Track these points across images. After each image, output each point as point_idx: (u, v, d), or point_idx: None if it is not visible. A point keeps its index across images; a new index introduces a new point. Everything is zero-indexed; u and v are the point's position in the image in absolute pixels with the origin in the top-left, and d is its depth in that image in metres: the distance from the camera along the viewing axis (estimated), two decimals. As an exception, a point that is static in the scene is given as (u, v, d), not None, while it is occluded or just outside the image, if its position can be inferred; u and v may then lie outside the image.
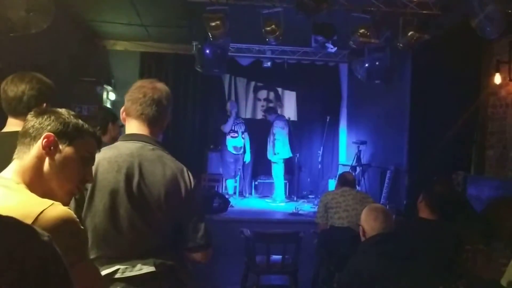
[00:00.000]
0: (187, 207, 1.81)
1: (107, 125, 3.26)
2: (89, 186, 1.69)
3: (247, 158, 8.24)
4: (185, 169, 1.86)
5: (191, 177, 1.85)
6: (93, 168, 1.45)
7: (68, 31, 6.05)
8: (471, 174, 5.76)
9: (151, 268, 1.68)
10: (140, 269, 1.67)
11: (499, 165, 5.52)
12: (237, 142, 7.99)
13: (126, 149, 1.79)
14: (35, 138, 1.29)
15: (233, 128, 7.96)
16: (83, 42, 7.28)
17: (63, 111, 1.35)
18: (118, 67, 7.78)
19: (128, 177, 1.73)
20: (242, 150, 8.08)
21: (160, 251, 1.73)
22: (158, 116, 1.87)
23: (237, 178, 8.17)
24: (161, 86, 1.91)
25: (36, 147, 1.28)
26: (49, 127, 1.29)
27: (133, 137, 1.85)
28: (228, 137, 7.97)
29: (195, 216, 1.83)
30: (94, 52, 7.59)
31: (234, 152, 7.98)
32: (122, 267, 1.66)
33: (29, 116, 1.33)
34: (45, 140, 1.28)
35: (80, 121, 1.35)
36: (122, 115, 1.90)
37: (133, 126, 1.87)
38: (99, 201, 1.70)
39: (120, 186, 1.72)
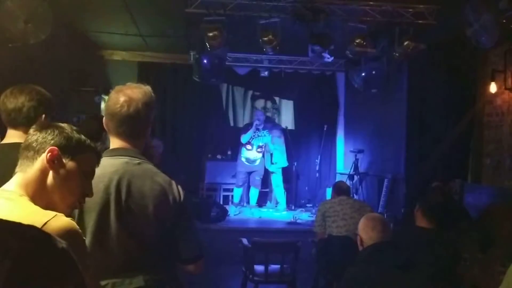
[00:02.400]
0: (177, 220, 1.77)
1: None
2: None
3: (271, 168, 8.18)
4: (173, 181, 1.81)
5: (180, 190, 1.81)
6: None
7: (66, 42, 6.07)
8: (468, 182, 5.78)
9: (141, 283, 1.65)
10: (130, 284, 1.65)
11: (496, 173, 5.54)
12: (250, 154, 7.92)
13: (111, 166, 1.70)
14: (38, 152, 1.30)
15: (250, 141, 7.90)
16: (81, 52, 7.31)
17: (65, 125, 1.38)
18: (116, 77, 7.79)
19: (116, 196, 1.68)
20: (256, 163, 7.95)
21: (149, 266, 1.70)
22: (138, 129, 1.81)
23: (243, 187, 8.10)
24: (137, 94, 1.78)
25: (40, 161, 1.30)
26: (52, 141, 1.32)
27: (117, 152, 1.78)
28: (244, 147, 7.94)
29: (185, 228, 1.80)
30: (92, 62, 7.61)
31: (247, 164, 7.91)
32: (110, 282, 1.63)
33: (31, 130, 1.35)
34: (49, 154, 1.30)
35: (83, 137, 1.37)
36: (105, 126, 1.84)
37: (115, 141, 1.81)
38: (87, 223, 1.64)
39: (108, 206, 1.67)
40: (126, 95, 1.77)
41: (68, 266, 0.73)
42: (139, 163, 1.78)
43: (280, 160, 8.07)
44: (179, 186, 1.82)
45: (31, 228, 0.78)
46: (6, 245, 0.68)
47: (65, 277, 0.71)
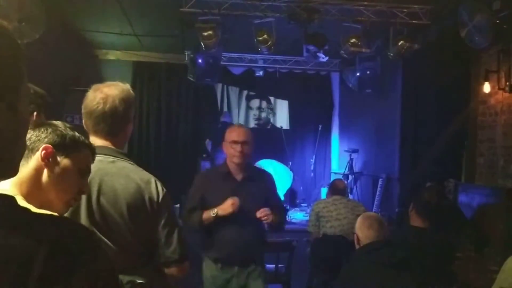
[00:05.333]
0: (155, 221, 1.72)
1: None
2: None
3: None
4: (152, 179, 1.76)
5: (159, 188, 1.74)
6: None
7: (60, 41, 6.05)
8: (462, 182, 5.81)
9: None
10: None
11: (490, 172, 5.57)
12: None
13: None
14: (32, 150, 1.30)
15: None
16: (75, 51, 7.28)
17: (59, 123, 1.37)
18: (110, 76, 7.70)
19: (86, 196, 1.63)
20: None
21: (129, 269, 1.63)
22: (116, 126, 1.77)
23: None
24: (114, 90, 1.76)
25: (35, 159, 1.29)
26: (46, 139, 1.31)
27: None
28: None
29: (166, 229, 1.74)
30: (86, 61, 7.58)
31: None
32: None
33: None
34: (43, 152, 1.29)
35: (76, 134, 1.37)
36: (84, 125, 1.81)
37: (93, 140, 1.76)
38: None
39: (78, 207, 1.62)
40: (102, 92, 1.76)
41: (100, 250, 0.75)
42: (113, 161, 1.73)
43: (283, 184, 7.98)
44: (159, 185, 1.76)
45: (62, 218, 0.81)
46: (43, 233, 0.70)
47: (97, 260, 0.74)
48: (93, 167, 1.65)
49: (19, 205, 0.74)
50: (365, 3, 5.28)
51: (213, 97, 8.89)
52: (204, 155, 8.38)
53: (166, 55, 7.98)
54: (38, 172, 1.30)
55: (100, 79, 1.89)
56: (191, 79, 7.15)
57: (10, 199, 0.73)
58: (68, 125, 1.39)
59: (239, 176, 3.07)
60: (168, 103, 8.32)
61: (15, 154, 0.76)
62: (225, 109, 9.03)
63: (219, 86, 8.89)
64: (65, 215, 1.59)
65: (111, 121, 1.75)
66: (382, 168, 7.11)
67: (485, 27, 4.38)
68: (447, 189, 5.44)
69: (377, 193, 6.85)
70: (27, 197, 1.27)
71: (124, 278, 1.62)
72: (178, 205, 6.56)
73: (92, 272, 0.70)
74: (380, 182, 6.88)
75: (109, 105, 1.73)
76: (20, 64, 0.75)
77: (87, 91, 1.84)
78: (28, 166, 1.30)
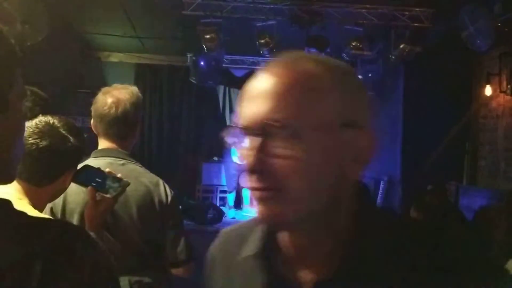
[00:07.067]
0: (163, 222, 1.75)
1: None
2: (59, 210, 1.64)
3: None
4: (161, 181, 1.79)
5: (167, 190, 1.78)
6: None
7: (63, 43, 6.07)
8: (463, 185, 5.81)
9: (126, 287, 1.62)
10: None
11: (491, 175, 5.58)
12: None
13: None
14: None
15: None
16: (78, 54, 7.31)
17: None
18: (113, 78, 7.76)
19: None
20: None
21: (136, 269, 1.67)
22: (126, 130, 1.80)
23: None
24: (124, 94, 1.79)
25: None
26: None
27: (102, 152, 1.78)
28: (233, 148, 7.95)
29: (173, 230, 1.78)
30: (89, 64, 7.61)
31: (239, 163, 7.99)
32: None
33: None
34: None
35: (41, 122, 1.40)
36: (93, 129, 1.83)
37: (103, 143, 1.80)
38: None
39: None
40: (113, 96, 1.77)
41: (96, 251, 0.75)
42: (123, 164, 1.76)
43: None
44: (167, 187, 1.79)
45: (57, 221, 0.80)
46: (38, 241, 0.69)
47: (93, 262, 0.73)
48: (103, 169, 1.68)
49: (14, 209, 0.73)
50: (367, 6, 5.29)
51: (215, 99, 8.90)
52: (205, 157, 8.35)
53: (168, 57, 8.01)
54: None
55: (103, 81, 1.91)
56: (193, 81, 7.17)
57: (5, 203, 0.72)
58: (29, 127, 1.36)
59: (305, 274, 0.75)
60: (170, 105, 8.34)
61: (10, 158, 0.74)
62: (227, 111, 9.03)
63: (221, 88, 8.90)
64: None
65: (123, 125, 1.77)
66: (383, 171, 7.11)
67: (487, 30, 4.39)
68: (449, 191, 5.45)
69: (379, 195, 6.85)
70: (32, 201, 1.28)
71: (132, 279, 1.63)
72: (180, 207, 6.58)
73: (89, 274, 0.70)
74: (381, 185, 6.88)
75: (121, 110, 1.75)
76: (13, 67, 0.73)
77: (90, 93, 1.86)
78: None
